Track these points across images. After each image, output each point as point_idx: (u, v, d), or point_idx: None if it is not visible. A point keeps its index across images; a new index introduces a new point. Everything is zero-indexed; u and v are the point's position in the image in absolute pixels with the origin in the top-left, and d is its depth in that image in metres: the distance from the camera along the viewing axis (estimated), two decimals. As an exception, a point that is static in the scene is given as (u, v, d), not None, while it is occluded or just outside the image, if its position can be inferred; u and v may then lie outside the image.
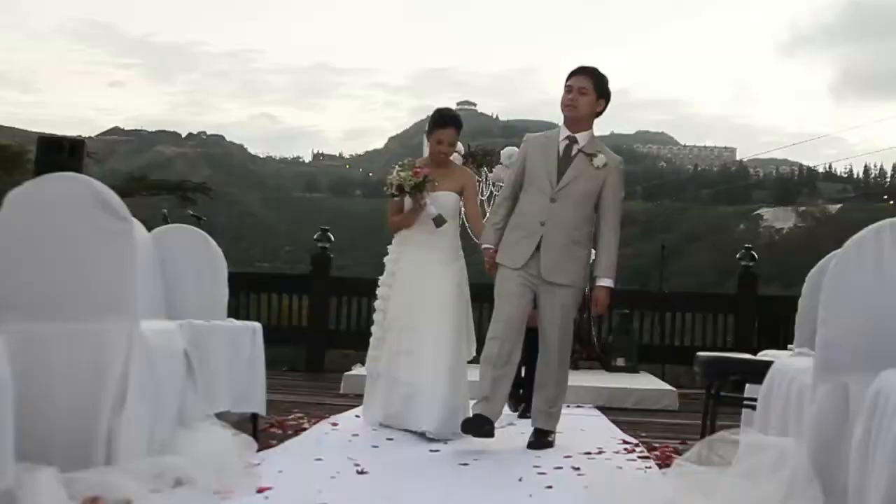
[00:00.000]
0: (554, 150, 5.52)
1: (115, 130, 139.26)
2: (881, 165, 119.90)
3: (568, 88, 5.51)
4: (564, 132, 5.54)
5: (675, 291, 13.10)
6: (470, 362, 6.01)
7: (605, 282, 5.46)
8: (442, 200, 6.03)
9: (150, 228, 5.44)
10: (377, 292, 6.21)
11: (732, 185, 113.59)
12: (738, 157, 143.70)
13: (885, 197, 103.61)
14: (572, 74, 5.54)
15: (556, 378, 5.53)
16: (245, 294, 11.13)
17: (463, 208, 6.29)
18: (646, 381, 9.32)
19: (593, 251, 5.62)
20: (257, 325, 5.29)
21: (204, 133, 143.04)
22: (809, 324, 4.24)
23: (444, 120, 6.14)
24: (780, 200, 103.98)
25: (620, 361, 10.15)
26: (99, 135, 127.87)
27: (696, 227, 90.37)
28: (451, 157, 6.28)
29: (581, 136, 5.50)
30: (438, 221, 5.93)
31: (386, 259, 6.25)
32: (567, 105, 5.50)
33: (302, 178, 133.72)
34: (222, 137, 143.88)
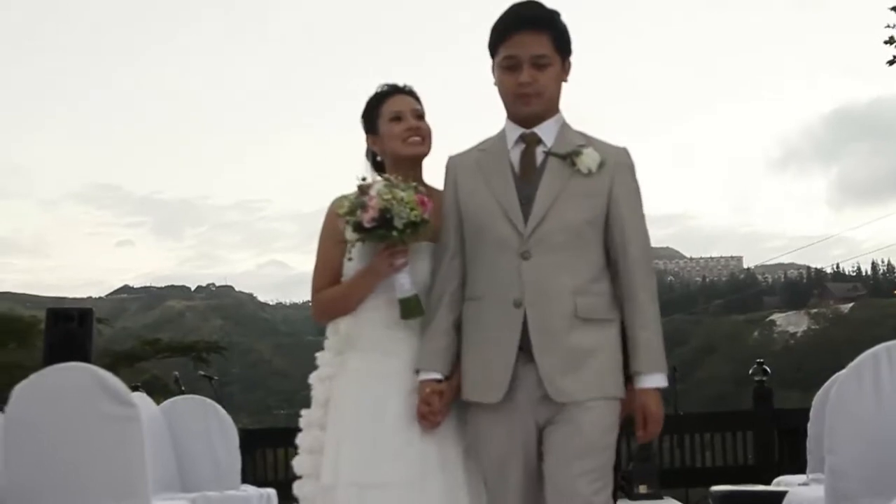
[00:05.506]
0: (505, 167, 3.03)
1: (125, 289, 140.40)
2: (888, 261, 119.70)
3: (512, 62, 2.95)
4: (514, 132, 3.05)
5: (690, 412, 12.98)
6: None
7: (652, 380, 3.00)
8: (423, 255, 3.18)
9: (163, 388, 5.50)
10: (298, 441, 3.28)
11: (742, 293, 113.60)
12: (745, 265, 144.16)
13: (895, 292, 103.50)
14: (511, 31, 2.96)
15: None
16: (261, 451, 11.03)
17: None
18: (670, 509, 9.20)
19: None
20: (272, 492, 5.32)
21: (213, 285, 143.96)
22: (820, 449, 4.24)
23: (389, 88, 3.34)
24: (791, 304, 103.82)
25: (643, 489, 9.96)
26: (108, 294, 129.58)
27: (709, 338, 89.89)
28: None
29: (544, 129, 3.03)
30: (411, 307, 3.08)
31: (313, 377, 3.37)
32: (521, 95, 2.98)
33: (313, 321, 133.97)
34: (231, 288, 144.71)
